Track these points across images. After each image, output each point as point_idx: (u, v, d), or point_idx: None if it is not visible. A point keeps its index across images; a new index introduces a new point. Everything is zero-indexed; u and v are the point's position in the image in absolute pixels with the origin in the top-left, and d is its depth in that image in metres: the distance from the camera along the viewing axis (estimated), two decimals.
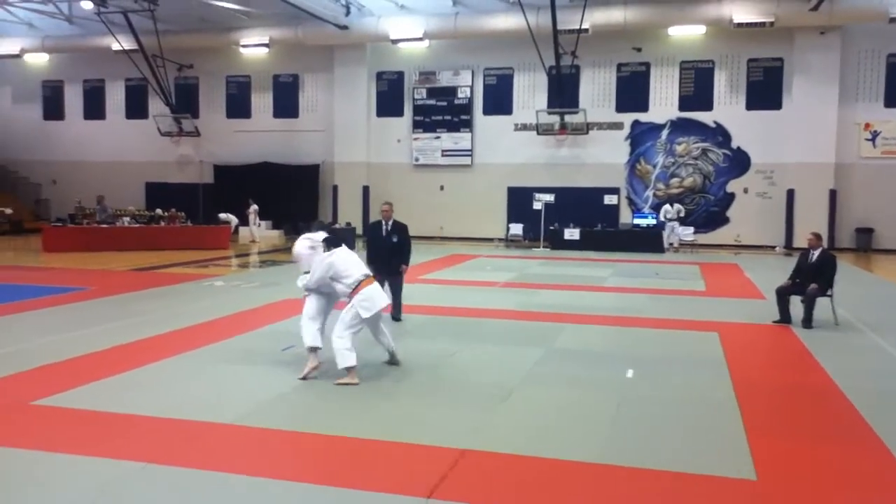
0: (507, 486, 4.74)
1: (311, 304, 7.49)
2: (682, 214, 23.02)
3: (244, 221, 25.43)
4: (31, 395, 6.53)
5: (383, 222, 10.34)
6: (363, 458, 5.18)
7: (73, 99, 30.74)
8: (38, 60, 30.29)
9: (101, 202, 23.10)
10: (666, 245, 22.54)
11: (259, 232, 25.56)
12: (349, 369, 7.05)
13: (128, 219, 22.14)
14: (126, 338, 8.97)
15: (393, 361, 7.79)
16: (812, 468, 5.15)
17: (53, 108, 30.99)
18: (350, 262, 7.32)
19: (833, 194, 23.30)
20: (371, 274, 7.46)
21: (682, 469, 5.02)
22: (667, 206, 23.23)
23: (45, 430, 5.67)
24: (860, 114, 23.34)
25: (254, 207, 25.19)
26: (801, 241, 19.56)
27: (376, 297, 7.27)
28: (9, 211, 25.94)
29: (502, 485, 4.77)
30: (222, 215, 24.42)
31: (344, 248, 7.49)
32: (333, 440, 5.52)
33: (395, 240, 10.20)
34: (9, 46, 29.35)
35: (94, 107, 30.50)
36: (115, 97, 30.26)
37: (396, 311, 10.28)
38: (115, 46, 26.80)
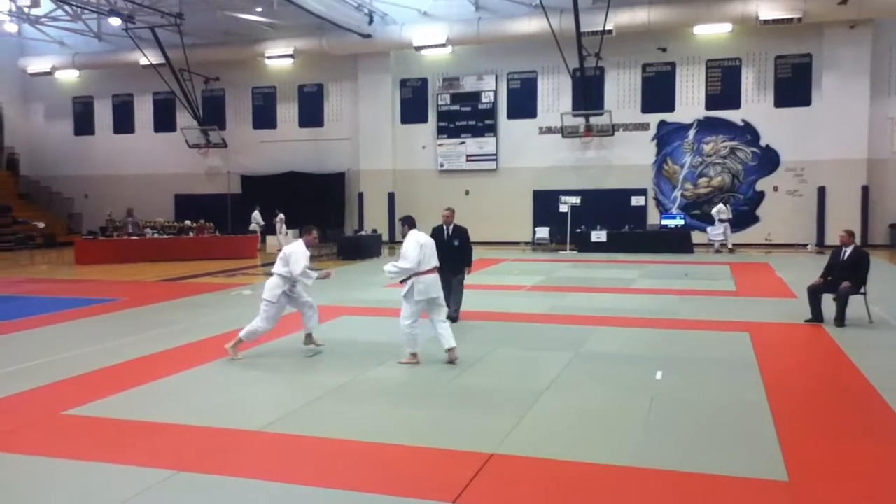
0: (535, 490, 4.70)
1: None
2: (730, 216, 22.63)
3: (271, 230, 25.66)
4: (62, 405, 6.62)
5: (445, 227, 10.73)
6: (390, 463, 5.17)
7: (103, 114, 31.27)
8: (69, 77, 30.88)
9: (131, 214, 23.43)
10: (718, 247, 22.11)
11: (286, 240, 25.73)
12: (413, 353, 7.83)
13: (149, 230, 22.37)
14: (156, 347, 9.07)
15: (450, 360, 8.04)
16: (845, 469, 5.04)
17: (84, 123, 31.55)
18: (427, 248, 7.96)
19: (865, 190, 22.90)
20: (437, 266, 8.02)
21: (713, 471, 4.95)
22: (720, 206, 22.61)
23: (76, 439, 5.74)
24: (892, 108, 22.93)
25: (280, 216, 25.40)
26: (833, 238, 19.22)
27: (431, 285, 7.92)
28: (42, 225, 26.37)
29: (530, 489, 4.72)
30: (253, 215, 25.03)
31: (418, 231, 8.13)
32: (360, 446, 5.52)
33: (456, 243, 10.66)
34: (41, 64, 30.02)
35: (124, 121, 31.00)
36: (144, 111, 30.73)
37: (455, 312, 10.68)
38: (143, 61, 27.27)
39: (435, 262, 8.03)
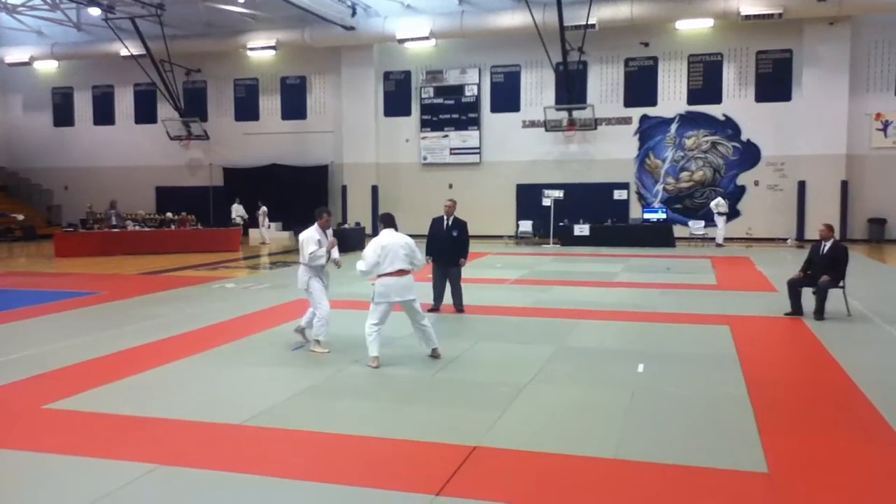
0: (518, 482, 4.73)
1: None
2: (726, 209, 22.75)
3: (254, 223, 25.56)
4: (43, 399, 6.57)
5: (445, 217, 10.93)
6: (374, 456, 5.18)
7: (83, 105, 30.95)
8: (48, 68, 30.52)
9: (114, 207, 23.27)
10: (720, 240, 22.23)
11: (268, 233, 25.66)
12: (374, 357, 7.62)
13: (137, 223, 22.23)
14: (138, 341, 9.02)
15: (433, 355, 7.97)
16: (824, 460, 5.11)
17: (63, 114, 31.21)
18: (389, 249, 7.61)
19: (845, 185, 23.15)
20: (405, 269, 7.65)
21: (693, 463, 5.00)
22: (719, 199, 22.73)
23: (58, 434, 5.70)
24: (871, 104, 23.18)
25: (263, 209, 25.30)
26: (813, 233, 19.45)
27: (393, 288, 7.58)
28: (21, 217, 26.11)
29: (513, 481, 4.75)
30: (234, 207, 24.99)
31: (390, 230, 7.80)
32: (343, 439, 5.52)
33: (454, 234, 10.86)
34: (18, 54, 29.63)
35: (104, 113, 30.71)
36: (125, 103, 30.46)
37: (458, 303, 10.91)
38: (124, 52, 27.01)
39: (400, 265, 7.60)
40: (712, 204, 22.79)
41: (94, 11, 24.84)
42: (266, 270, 17.99)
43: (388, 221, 7.93)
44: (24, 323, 10.48)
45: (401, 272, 7.63)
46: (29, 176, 31.69)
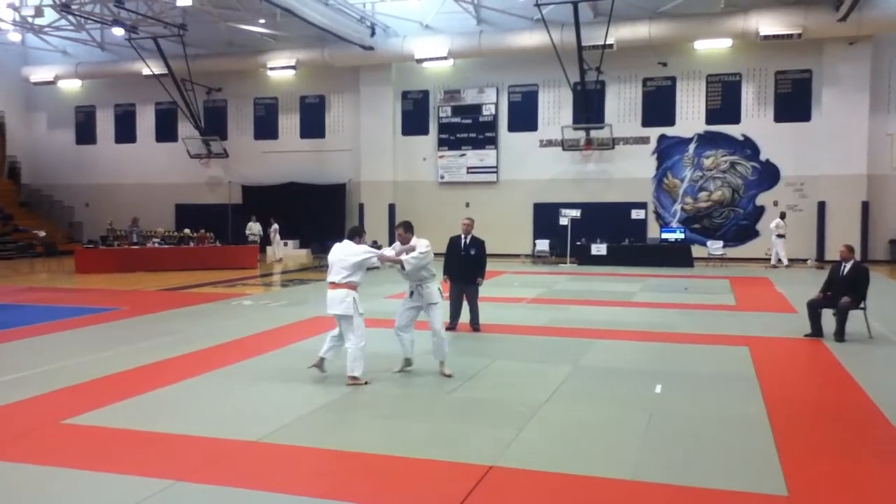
0: (534, 503, 4.69)
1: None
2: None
3: (269, 240, 25.70)
4: (62, 414, 6.62)
5: (462, 236, 10.95)
6: (389, 474, 5.17)
7: (105, 123, 31.35)
8: (72, 86, 30.97)
9: (136, 223, 23.51)
10: (775, 261, 22.00)
11: (281, 251, 25.78)
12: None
13: (158, 240, 22.45)
14: (156, 357, 9.07)
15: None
16: (845, 483, 5.04)
17: (86, 132, 31.61)
18: (332, 262, 7.74)
19: (865, 206, 22.93)
20: (337, 282, 7.65)
21: (712, 485, 4.94)
22: (778, 220, 22.30)
23: (75, 449, 5.74)
24: (892, 124, 22.98)
25: (275, 226, 25.44)
26: (833, 253, 19.25)
27: (328, 300, 7.69)
28: (42, 233, 26.39)
29: (529, 501, 4.72)
30: (249, 224, 25.20)
31: (343, 242, 7.86)
32: (358, 457, 5.51)
33: (472, 252, 10.88)
34: (44, 73, 30.13)
35: (126, 131, 31.08)
36: (146, 121, 30.81)
37: (475, 321, 10.92)
38: (146, 71, 27.37)
39: (335, 278, 7.60)
40: (772, 225, 22.48)
41: (118, 31, 25.19)
42: (283, 287, 18.05)
43: (350, 233, 7.96)
44: (44, 338, 10.57)
45: (332, 285, 7.68)
46: (51, 193, 32.08)
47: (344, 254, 7.69)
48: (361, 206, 27.63)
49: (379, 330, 9.20)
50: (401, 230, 8.15)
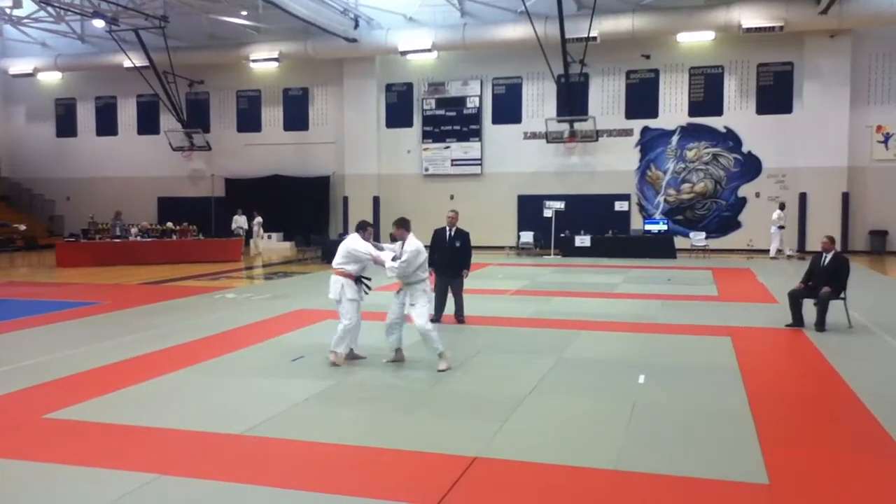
0: (518, 493, 4.72)
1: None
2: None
3: (250, 233, 25.62)
4: (43, 408, 6.57)
5: (447, 228, 10.99)
6: (374, 466, 5.18)
7: (86, 116, 31.06)
8: (51, 79, 30.65)
9: (119, 217, 23.33)
10: (775, 253, 21.98)
11: (263, 244, 25.68)
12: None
13: (135, 229, 22.27)
14: (139, 350, 9.02)
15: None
16: (825, 472, 5.10)
17: (66, 125, 31.32)
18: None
19: (846, 197, 23.16)
20: (334, 268, 8.22)
21: (694, 474, 4.99)
22: (779, 212, 22.23)
23: (57, 443, 5.70)
24: (872, 116, 23.23)
25: (257, 219, 25.32)
26: (814, 244, 19.42)
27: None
28: (23, 227, 26.15)
29: (514, 491, 4.74)
30: (235, 217, 25.05)
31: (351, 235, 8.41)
32: (343, 449, 5.52)
33: (457, 244, 10.93)
34: (22, 66, 29.80)
35: (107, 123, 30.81)
36: (127, 113, 30.56)
37: (460, 314, 10.96)
38: (127, 64, 27.12)
39: (334, 264, 8.28)
40: (774, 216, 22.39)
41: (99, 23, 24.96)
42: (267, 281, 17.99)
43: (357, 226, 8.44)
44: (25, 332, 10.48)
45: (334, 271, 8.27)
46: (31, 186, 31.76)
47: (345, 244, 8.26)
48: (346, 199, 27.57)
49: (373, 323, 9.18)
50: (394, 228, 8.25)
